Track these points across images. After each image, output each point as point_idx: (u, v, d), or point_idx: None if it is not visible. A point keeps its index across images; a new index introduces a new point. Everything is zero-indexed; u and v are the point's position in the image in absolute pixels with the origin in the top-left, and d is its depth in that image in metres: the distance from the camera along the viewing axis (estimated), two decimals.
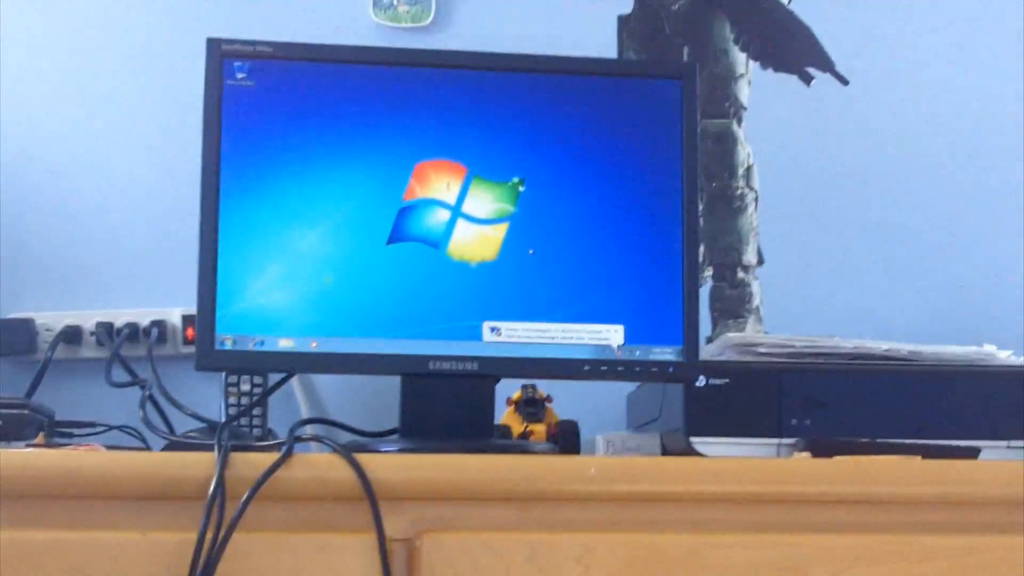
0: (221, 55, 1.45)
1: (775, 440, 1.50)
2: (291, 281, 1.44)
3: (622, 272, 1.48)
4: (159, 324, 1.91)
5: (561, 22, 2.03)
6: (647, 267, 1.48)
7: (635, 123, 1.50)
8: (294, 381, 1.90)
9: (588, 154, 1.49)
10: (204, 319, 1.43)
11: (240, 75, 1.46)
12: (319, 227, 1.45)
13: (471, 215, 1.47)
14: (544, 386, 1.68)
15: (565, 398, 1.73)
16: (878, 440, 1.45)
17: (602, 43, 2.04)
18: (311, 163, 1.45)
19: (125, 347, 1.86)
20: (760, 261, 2.05)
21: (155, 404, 1.72)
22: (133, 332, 1.90)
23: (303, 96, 1.46)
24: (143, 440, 1.70)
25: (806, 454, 1.43)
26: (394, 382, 1.48)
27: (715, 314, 2.04)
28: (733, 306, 2.04)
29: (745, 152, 2.05)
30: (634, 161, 1.49)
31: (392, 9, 2.01)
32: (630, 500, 1.31)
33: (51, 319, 1.92)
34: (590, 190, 1.49)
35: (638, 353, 1.47)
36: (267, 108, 1.45)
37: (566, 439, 1.60)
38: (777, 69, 2.07)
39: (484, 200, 1.47)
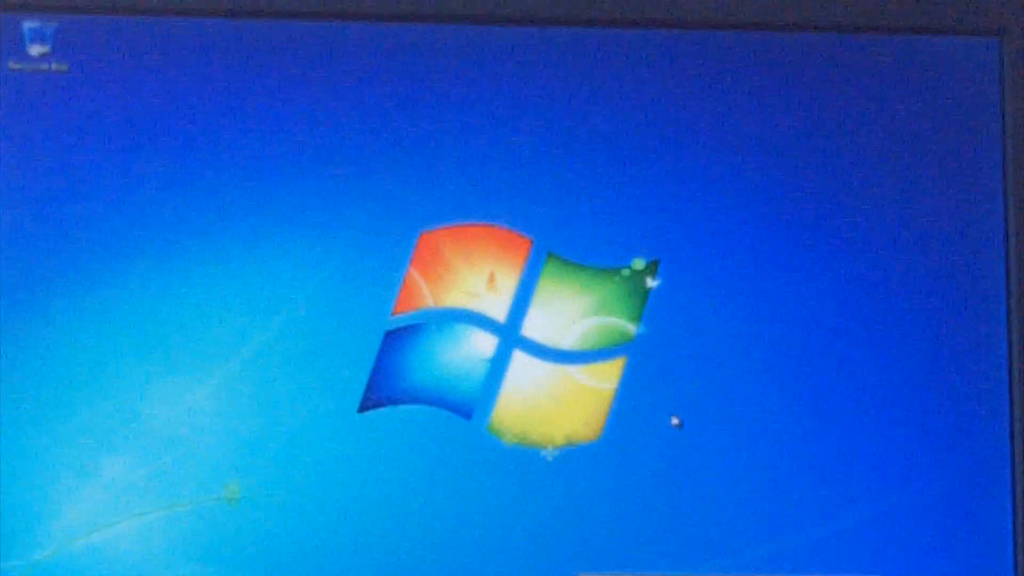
0: None
1: None
2: (145, 496, 0.80)
3: (879, 464, 0.83)
4: None
5: None
6: (930, 452, 0.83)
7: (902, 133, 0.84)
8: None
9: (800, 202, 0.84)
10: None
11: (37, 47, 0.83)
12: (209, 373, 0.81)
13: (543, 344, 0.83)
14: None
15: None
16: None
17: None
18: (189, 237, 0.83)
19: None
20: None
21: None
22: None
23: (171, 91, 0.83)
24: None
25: None
26: None
27: None
28: None
29: None
30: (898, 215, 0.83)
31: None
32: None
33: None
34: (801, 284, 0.83)
35: None
36: (94, 119, 0.82)
37: None
38: None
39: (571, 310, 0.84)
